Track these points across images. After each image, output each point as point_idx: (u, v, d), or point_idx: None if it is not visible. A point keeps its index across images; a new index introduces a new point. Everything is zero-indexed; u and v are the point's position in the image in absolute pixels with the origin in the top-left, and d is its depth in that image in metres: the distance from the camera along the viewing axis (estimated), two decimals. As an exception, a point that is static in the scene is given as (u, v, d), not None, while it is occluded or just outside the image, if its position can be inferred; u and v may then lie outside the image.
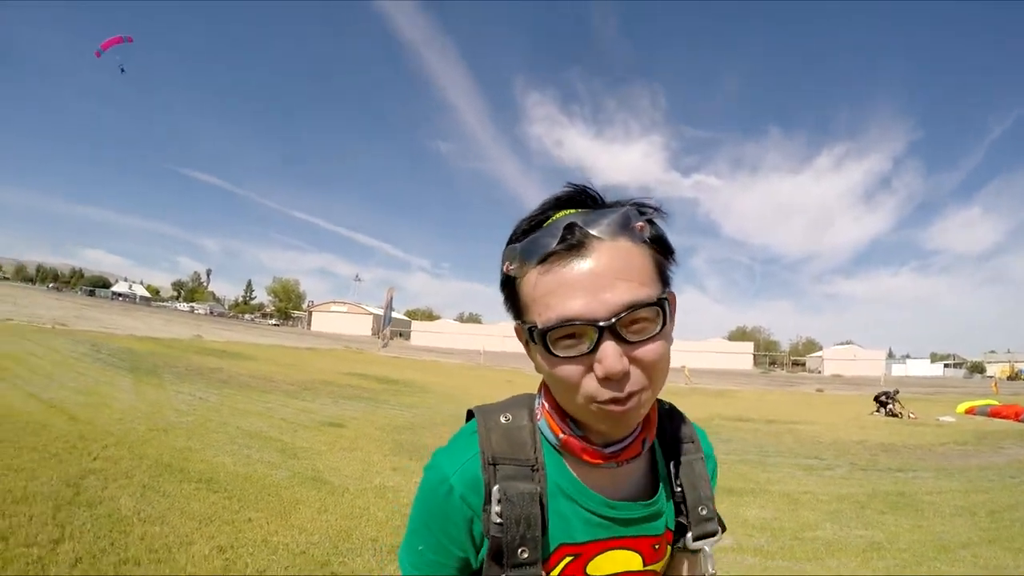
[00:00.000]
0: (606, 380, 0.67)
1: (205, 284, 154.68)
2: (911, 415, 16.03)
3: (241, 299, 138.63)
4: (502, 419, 0.81)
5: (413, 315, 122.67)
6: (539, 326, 0.68)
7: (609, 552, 0.80)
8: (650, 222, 0.72)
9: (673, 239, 0.75)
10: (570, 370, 0.68)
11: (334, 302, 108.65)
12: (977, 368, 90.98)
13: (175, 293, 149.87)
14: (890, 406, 16.50)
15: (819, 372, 78.51)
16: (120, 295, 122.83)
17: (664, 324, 0.69)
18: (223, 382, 11.77)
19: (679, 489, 0.86)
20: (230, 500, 4.40)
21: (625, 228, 0.68)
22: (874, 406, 17.19)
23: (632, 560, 0.81)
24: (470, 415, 0.85)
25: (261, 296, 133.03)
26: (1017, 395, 27.82)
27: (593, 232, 0.67)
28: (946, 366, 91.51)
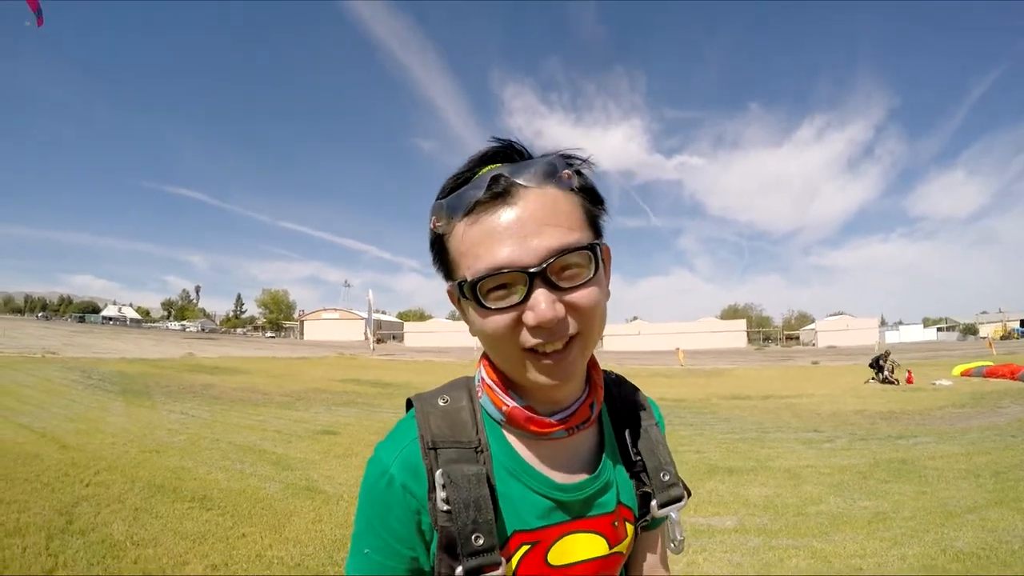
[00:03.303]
0: (538, 329, 0.65)
1: (195, 301, 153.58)
2: (908, 378, 16.16)
3: (232, 314, 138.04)
4: (440, 402, 0.77)
5: (406, 317, 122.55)
6: (468, 279, 0.65)
7: (569, 537, 0.75)
8: (578, 172, 0.70)
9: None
10: (501, 321, 0.66)
11: (325, 309, 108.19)
12: (970, 330, 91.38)
13: (165, 313, 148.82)
14: (886, 373, 16.54)
15: (813, 344, 79.25)
16: (110, 319, 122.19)
17: (596, 270, 0.67)
18: (215, 398, 11.75)
19: (638, 458, 0.83)
20: (224, 517, 4.41)
21: (551, 176, 0.67)
22: (870, 374, 17.27)
23: (596, 544, 0.76)
24: (409, 405, 0.82)
25: (252, 309, 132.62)
26: (1012, 354, 28.21)
27: (519, 181, 0.65)
28: (939, 330, 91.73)
